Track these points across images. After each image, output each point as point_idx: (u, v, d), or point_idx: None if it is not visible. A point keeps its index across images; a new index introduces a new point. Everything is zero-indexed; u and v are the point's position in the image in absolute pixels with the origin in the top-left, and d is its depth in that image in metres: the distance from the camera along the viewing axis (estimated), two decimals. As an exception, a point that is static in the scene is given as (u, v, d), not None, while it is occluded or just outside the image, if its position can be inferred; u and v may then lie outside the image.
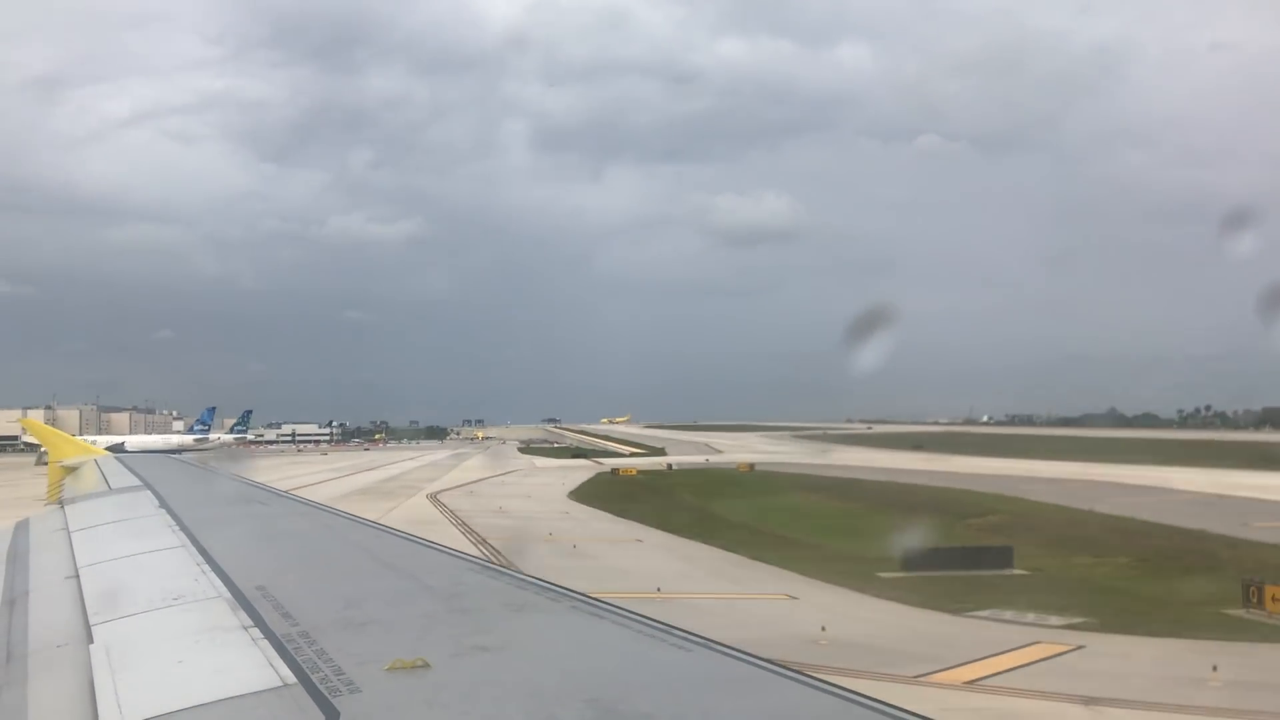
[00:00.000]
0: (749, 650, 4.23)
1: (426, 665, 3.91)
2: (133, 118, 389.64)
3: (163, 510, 9.81)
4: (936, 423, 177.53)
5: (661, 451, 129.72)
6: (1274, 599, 29.33)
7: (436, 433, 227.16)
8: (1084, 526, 47.21)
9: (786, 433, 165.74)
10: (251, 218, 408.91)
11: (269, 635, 4.53)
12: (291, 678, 3.91)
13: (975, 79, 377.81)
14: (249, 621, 4.84)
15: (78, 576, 6.79)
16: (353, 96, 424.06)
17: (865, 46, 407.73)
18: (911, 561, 32.63)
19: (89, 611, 5.59)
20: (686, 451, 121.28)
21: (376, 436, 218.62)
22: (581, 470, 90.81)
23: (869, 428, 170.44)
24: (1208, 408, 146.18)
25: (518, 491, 64.85)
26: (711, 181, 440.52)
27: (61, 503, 11.90)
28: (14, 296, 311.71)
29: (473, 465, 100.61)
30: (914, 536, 38.39)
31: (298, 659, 4.12)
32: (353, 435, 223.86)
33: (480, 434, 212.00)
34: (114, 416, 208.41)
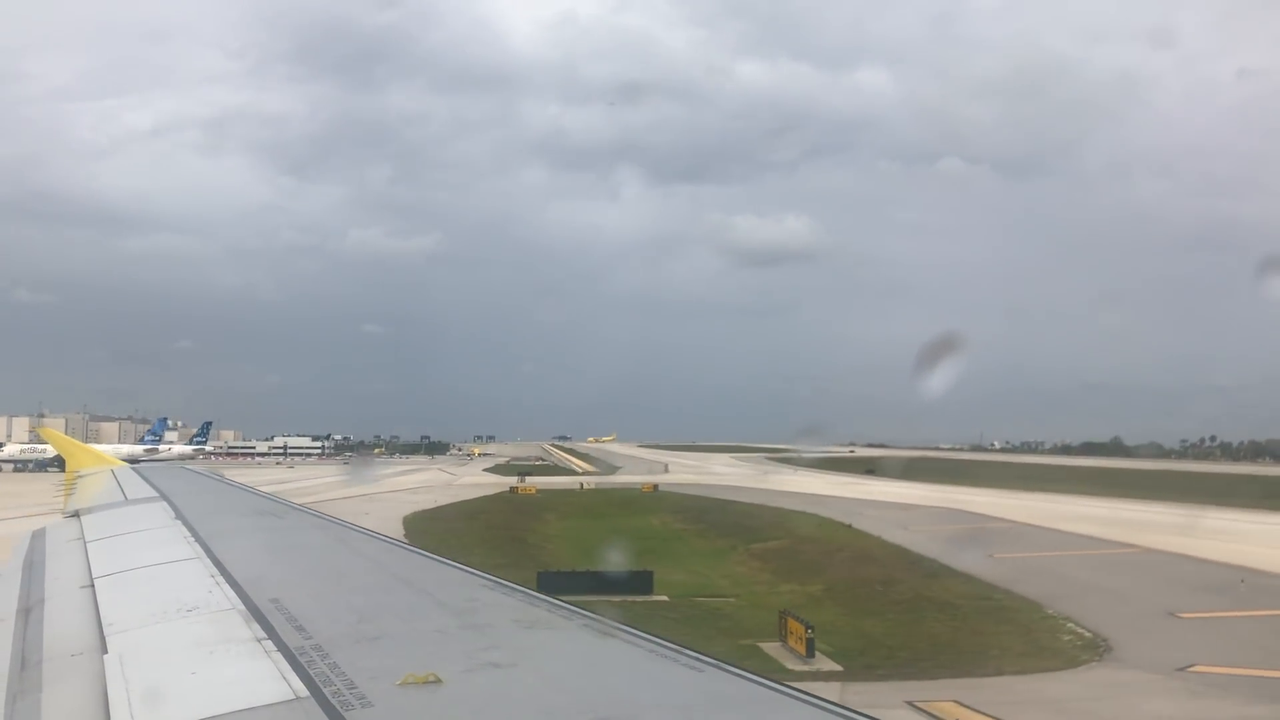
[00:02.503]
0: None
1: (438, 681, 3.91)
2: (154, 129, 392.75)
3: (178, 522, 9.86)
4: (938, 448, 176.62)
5: (614, 470, 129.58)
6: (793, 633, 26.99)
7: (438, 448, 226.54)
8: (843, 553, 44.85)
9: (766, 454, 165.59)
10: (270, 230, 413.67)
11: (282, 648, 4.54)
12: (304, 691, 3.91)
13: (996, 103, 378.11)
14: (262, 634, 4.85)
15: (93, 586, 6.83)
16: (373, 112, 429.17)
17: (884, 70, 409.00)
18: (545, 583, 31.25)
19: (103, 621, 5.62)
20: (638, 471, 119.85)
21: (376, 450, 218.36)
22: (481, 489, 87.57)
23: (851, 451, 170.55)
24: (1212, 438, 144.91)
25: (360, 510, 60.91)
26: (730, 202, 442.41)
27: (78, 513, 11.97)
28: (35, 305, 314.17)
29: (386, 481, 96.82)
30: (618, 557, 38.74)
31: (310, 672, 4.13)
32: (348, 449, 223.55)
33: (477, 450, 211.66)
34: (104, 426, 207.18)
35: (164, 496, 12.62)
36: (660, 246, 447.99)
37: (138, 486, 14.92)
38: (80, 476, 18.45)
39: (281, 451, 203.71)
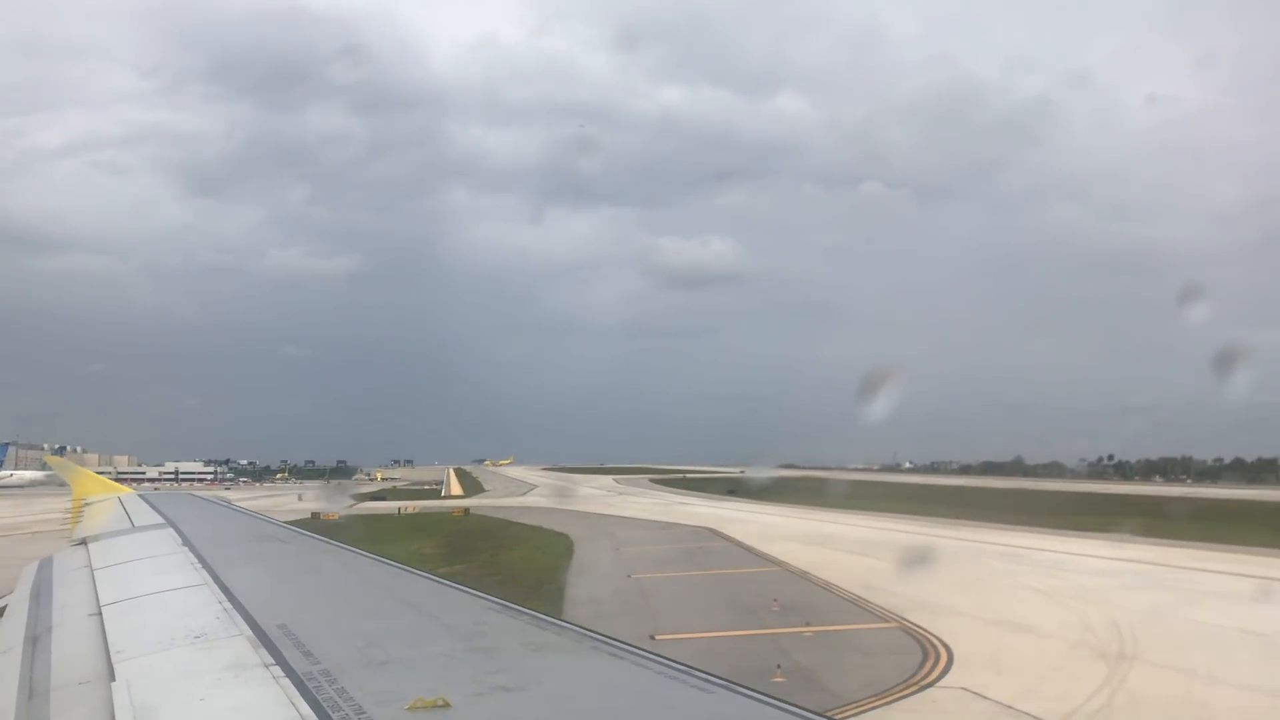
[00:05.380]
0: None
1: (447, 705, 3.90)
2: (66, 148, 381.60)
3: (185, 548, 9.86)
4: (844, 468, 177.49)
5: (480, 493, 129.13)
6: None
7: (342, 473, 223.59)
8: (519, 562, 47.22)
9: (653, 476, 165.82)
10: (188, 250, 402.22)
11: (290, 674, 4.53)
12: (313, 716, 3.90)
13: (917, 127, 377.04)
14: (270, 660, 4.84)
15: (100, 614, 6.81)
16: (291, 132, 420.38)
17: (804, 95, 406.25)
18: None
19: (111, 649, 5.61)
20: (503, 494, 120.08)
21: (279, 475, 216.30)
22: (296, 514, 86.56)
23: (741, 471, 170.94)
24: (1110, 457, 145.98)
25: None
26: (655, 224, 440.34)
27: (85, 540, 11.97)
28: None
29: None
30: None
31: (318, 697, 4.12)
32: (247, 474, 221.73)
33: (380, 475, 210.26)
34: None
35: (171, 523, 12.63)
36: (587, 268, 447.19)
37: (145, 513, 14.94)
38: (87, 504, 18.47)
39: (173, 476, 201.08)
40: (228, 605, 6.40)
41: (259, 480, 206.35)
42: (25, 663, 6.00)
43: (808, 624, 26.44)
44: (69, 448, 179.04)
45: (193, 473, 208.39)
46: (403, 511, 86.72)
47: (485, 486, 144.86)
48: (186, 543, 10.27)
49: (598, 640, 5.24)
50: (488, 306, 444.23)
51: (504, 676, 4.46)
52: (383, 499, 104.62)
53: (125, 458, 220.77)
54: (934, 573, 37.71)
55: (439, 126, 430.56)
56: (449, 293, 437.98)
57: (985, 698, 19.04)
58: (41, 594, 8.47)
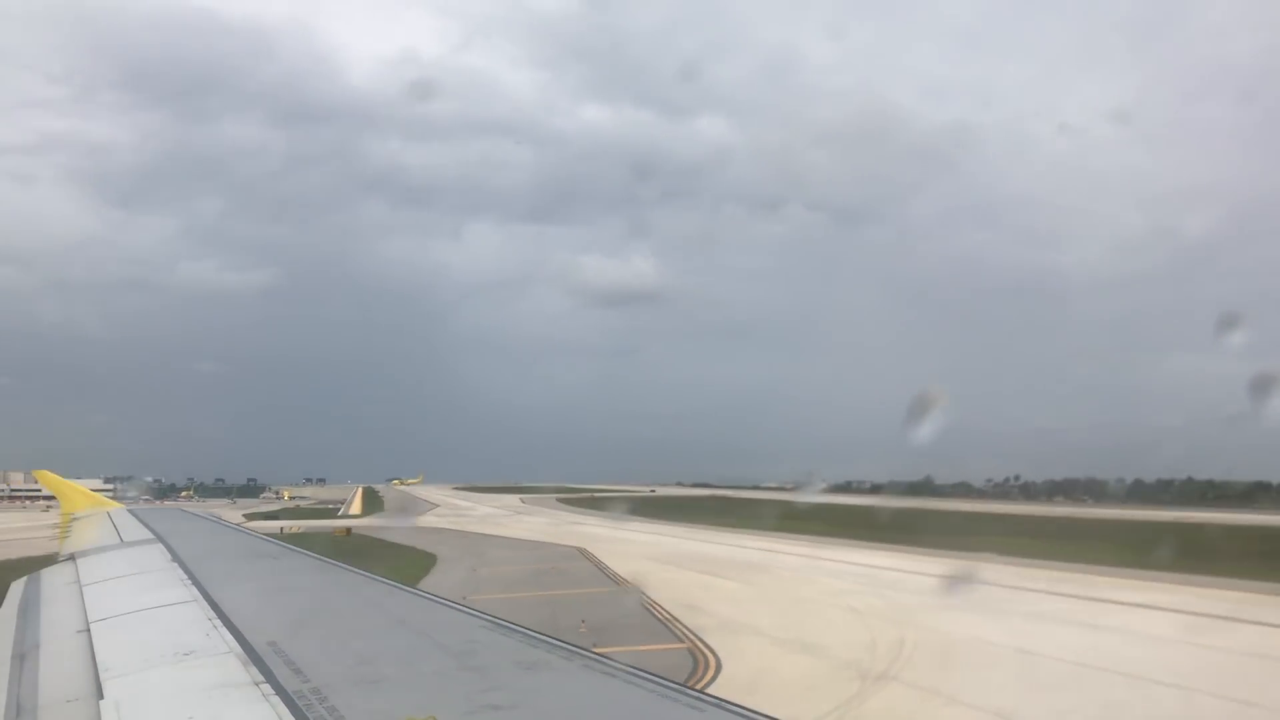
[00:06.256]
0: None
1: None
2: None
3: (175, 564, 9.81)
4: (759, 487, 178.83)
5: (378, 511, 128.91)
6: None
7: (250, 491, 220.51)
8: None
9: (572, 495, 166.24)
10: (96, 262, 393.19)
11: (280, 692, 4.51)
12: None
13: (835, 151, 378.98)
14: (260, 678, 4.82)
15: (89, 631, 6.77)
16: (205, 143, 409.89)
17: (725, 117, 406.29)
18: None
19: (100, 666, 5.57)
20: (404, 513, 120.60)
21: (184, 493, 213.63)
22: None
23: (652, 491, 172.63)
24: (1016, 478, 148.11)
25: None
26: (577, 243, 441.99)
27: (73, 556, 11.89)
28: None
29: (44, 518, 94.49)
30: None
31: (309, 716, 4.10)
32: (152, 493, 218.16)
33: (288, 493, 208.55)
34: None
35: (160, 539, 12.56)
36: (508, 286, 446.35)
37: (134, 529, 14.85)
38: (76, 519, 18.36)
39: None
40: (217, 622, 6.36)
41: (162, 498, 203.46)
42: (13, 680, 5.95)
43: (595, 645, 26.90)
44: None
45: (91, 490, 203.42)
46: (285, 530, 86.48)
47: (385, 506, 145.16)
48: (176, 558, 10.21)
49: (590, 659, 5.23)
50: (407, 323, 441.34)
51: (496, 695, 4.44)
52: (275, 518, 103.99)
53: (20, 474, 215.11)
54: (766, 592, 38.28)
55: (357, 140, 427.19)
56: (367, 309, 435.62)
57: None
58: (29, 610, 8.41)
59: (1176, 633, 28.12)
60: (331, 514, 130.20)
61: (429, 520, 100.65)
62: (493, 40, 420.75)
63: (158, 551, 11.29)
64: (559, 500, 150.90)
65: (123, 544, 13.08)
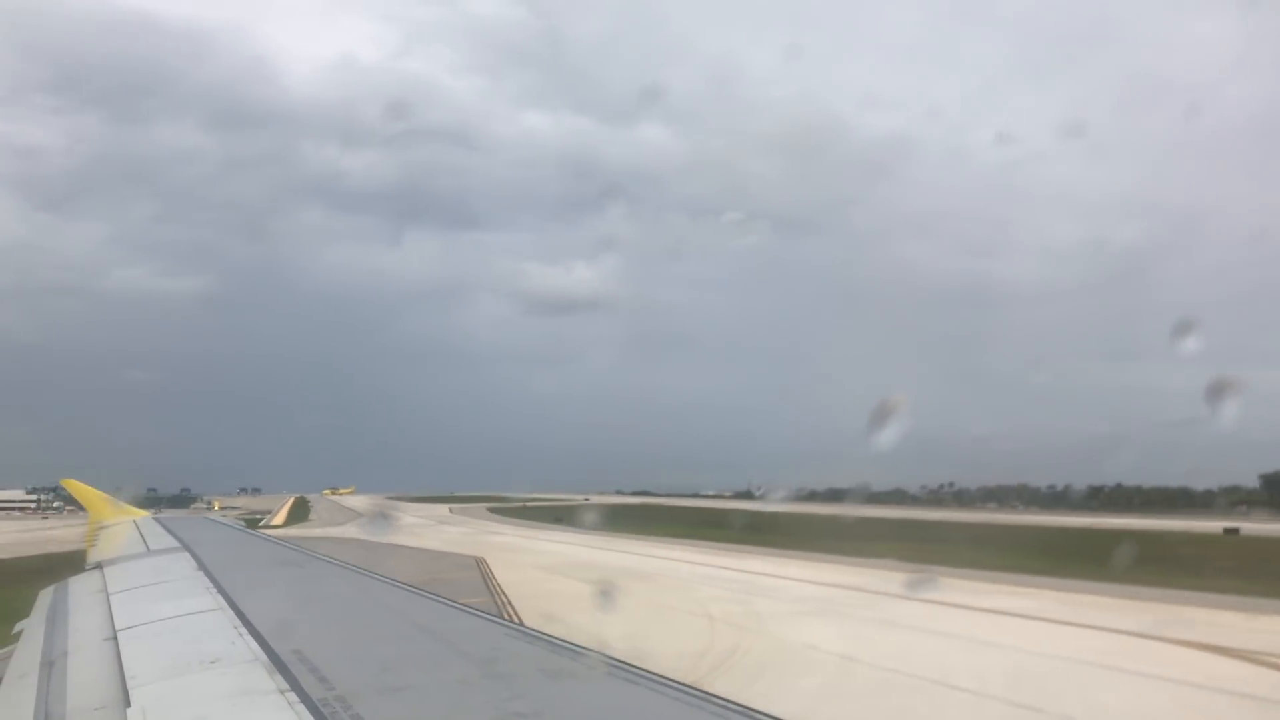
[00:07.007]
0: None
1: None
2: None
3: (200, 572, 9.86)
4: (696, 495, 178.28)
5: (303, 522, 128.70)
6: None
7: (182, 501, 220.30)
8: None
9: (503, 504, 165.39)
10: (25, 268, 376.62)
11: (305, 699, 4.50)
12: None
13: (776, 160, 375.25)
14: (285, 685, 4.81)
15: (115, 639, 6.80)
16: (139, 147, 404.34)
17: (666, 126, 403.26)
18: None
19: (126, 674, 5.59)
20: (325, 523, 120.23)
21: None
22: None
23: (586, 499, 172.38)
24: (950, 484, 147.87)
25: None
26: (519, 249, 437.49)
27: (100, 564, 11.99)
28: None
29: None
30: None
31: None
32: (76, 504, 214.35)
33: (218, 504, 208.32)
34: None
35: (186, 547, 12.65)
36: (449, 293, 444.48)
37: (160, 537, 14.97)
38: (103, 528, 18.53)
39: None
40: (242, 630, 6.38)
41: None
42: (41, 688, 5.98)
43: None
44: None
45: (13, 501, 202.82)
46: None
47: (311, 516, 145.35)
48: (202, 567, 10.27)
49: (615, 666, 5.19)
50: (345, 330, 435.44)
51: (520, 704, 4.41)
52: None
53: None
54: (638, 601, 38.01)
55: (294, 145, 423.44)
56: (305, 316, 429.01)
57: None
58: (57, 619, 8.47)
59: (1006, 637, 28.18)
60: (255, 524, 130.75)
61: (348, 531, 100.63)
62: (432, 46, 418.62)
63: (184, 560, 11.36)
64: (489, 510, 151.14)
65: (149, 552, 13.18)
